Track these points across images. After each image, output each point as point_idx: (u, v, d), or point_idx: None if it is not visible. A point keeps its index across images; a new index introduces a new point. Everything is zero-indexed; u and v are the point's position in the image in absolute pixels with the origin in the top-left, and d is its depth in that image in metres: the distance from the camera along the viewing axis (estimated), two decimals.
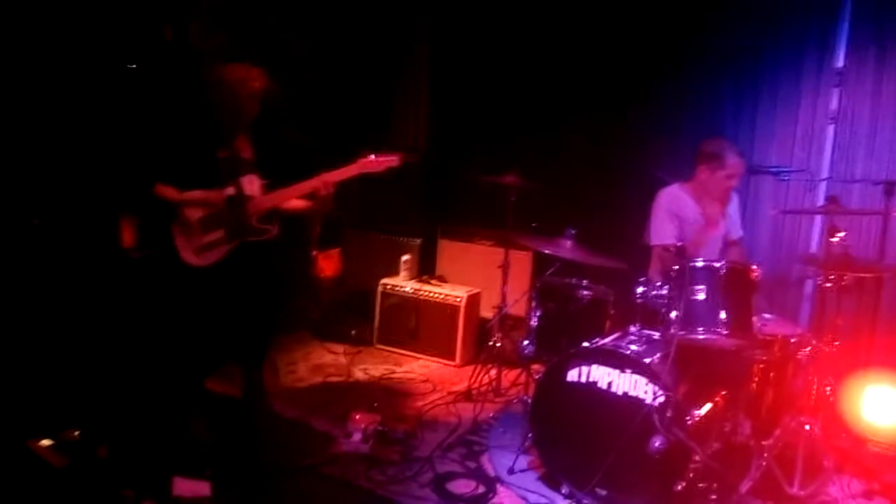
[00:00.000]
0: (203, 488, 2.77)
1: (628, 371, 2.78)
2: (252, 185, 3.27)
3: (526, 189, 3.86)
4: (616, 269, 3.35)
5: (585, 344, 2.96)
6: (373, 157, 3.25)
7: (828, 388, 3.10)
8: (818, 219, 4.19)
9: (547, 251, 3.24)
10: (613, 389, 2.80)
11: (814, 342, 3.05)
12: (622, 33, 4.71)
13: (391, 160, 3.27)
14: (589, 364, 2.86)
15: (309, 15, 5.19)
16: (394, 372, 4.40)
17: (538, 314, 3.34)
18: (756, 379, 3.11)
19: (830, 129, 4.22)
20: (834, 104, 4.20)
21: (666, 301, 2.90)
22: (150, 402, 3.36)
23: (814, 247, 4.25)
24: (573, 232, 3.23)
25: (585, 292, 3.37)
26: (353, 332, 4.94)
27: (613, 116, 4.68)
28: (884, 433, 3.46)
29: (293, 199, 3.32)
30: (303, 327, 5.14)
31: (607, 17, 4.75)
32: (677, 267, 2.85)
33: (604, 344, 2.96)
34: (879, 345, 3.50)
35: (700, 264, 2.84)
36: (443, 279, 4.98)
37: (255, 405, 3.57)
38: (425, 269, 5.14)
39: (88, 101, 3.84)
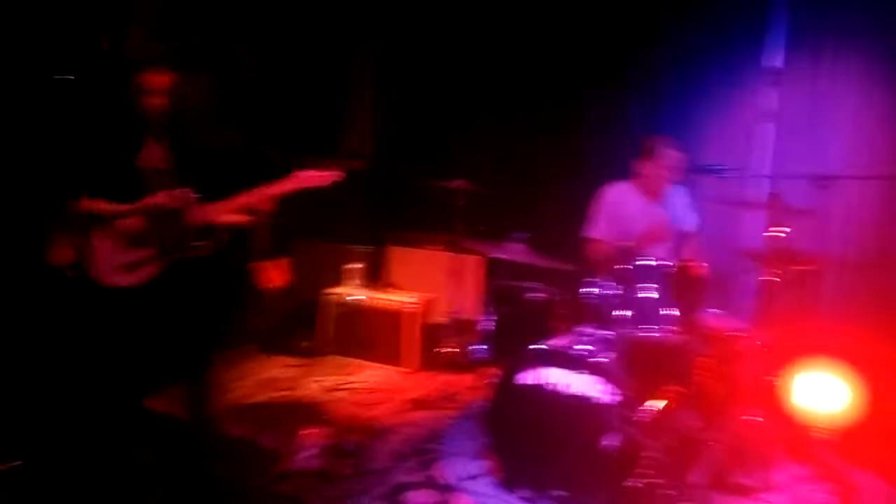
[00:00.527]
0: None
1: (582, 371, 2.77)
2: (176, 196, 3.15)
3: (475, 193, 3.85)
4: (566, 270, 3.36)
5: (539, 346, 2.94)
6: (311, 172, 3.17)
7: (772, 379, 3.17)
8: (758, 215, 4.30)
9: (499, 255, 3.21)
10: (567, 390, 2.80)
11: (758, 335, 3.10)
12: (564, 37, 4.75)
13: (331, 175, 3.20)
14: (543, 366, 2.85)
15: (252, 21, 5.06)
16: (346, 382, 4.32)
17: (492, 318, 3.31)
18: (703, 373, 3.14)
19: (769, 127, 4.34)
20: (772, 103, 4.32)
21: (617, 300, 2.91)
22: (90, 428, 3.20)
23: (753, 243, 4.36)
24: (525, 235, 3.22)
25: (537, 294, 3.36)
26: (303, 344, 4.83)
27: (560, 119, 4.72)
28: (822, 419, 3.57)
29: (230, 214, 3.21)
30: (249, 341, 5.00)
31: (550, 22, 4.79)
32: (629, 267, 2.86)
33: (556, 345, 2.95)
34: (817, 334, 3.59)
35: (650, 263, 2.86)
36: (393, 286, 4.93)
37: (201, 424, 3.45)
38: (375, 276, 5.08)
39: (17, 113, 3.66)
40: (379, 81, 5.57)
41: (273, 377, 4.37)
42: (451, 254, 4.94)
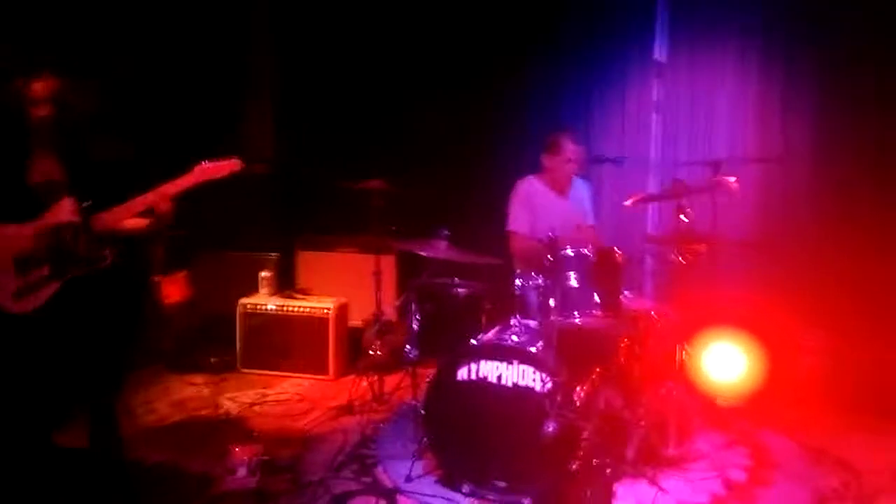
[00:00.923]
0: None
1: (515, 362, 2.84)
2: (70, 210, 2.93)
3: (392, 193, 3.84)
4: (489, 264, 3.42)
5: (470, 341, 2.98)
6: (210, 162, 3.04)
7: (683, 354, 3.37)
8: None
9: (423, 253, 3.22)
10: (503, 382, 2.86)
11: (670, 313, 3.29)
12: (467, 33, 4.82)
13: (231, 164, 3.07)
14: (477, 360, 2.89)
15: (130, 14, 4.73)
16: (266, 395, 4.18)
17: (417, 317, 3.31)
18: (624, 354, 3.30)
19: (654, 117, 4.61)
20: (655, 94, 4.59)
21: (542, 290, 2.99)
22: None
23: (650, 227, 4.64)
24: (446, 232, 3.24)
25: (460, 290, 3.39)
26: (212, 360, 4.63)
27: (466, 116, 4.80)
28: (728, 387, 3.85)
29: (127, 219, 3.02)
30: (154, 361, 4.73)
31: (455, 16, 4.85)
32: (550, 258, 2.95)
33: (488, 339, 3.00)
34: (716, 309, 3.86)
35: (570, 253, 2.96)
36: (305, 292, 4.81)
37: (110, 454, 3.23)
38: (285, 283, 4.94)
39: None
40: (282, 83, 5.40)
41: (186, 397, 4.16)
42: (364, 255, 4.91)
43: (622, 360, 3.30)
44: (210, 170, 3.00)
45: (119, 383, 3.40)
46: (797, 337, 4.09)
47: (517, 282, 3.07)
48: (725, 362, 3.93)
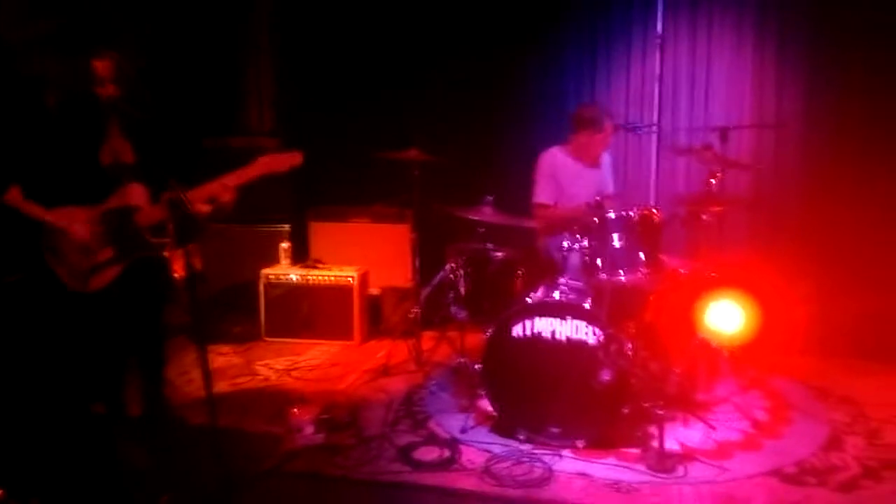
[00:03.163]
0: None
1: (569, 318, 3.06)
2: (136, 194, 2.99)
3: (429, 162, 3.98)
4: (521, 231, 3.63)
5: (525, 300, 3.18)
6: (273, 156, 3.11)
7: (707, 307, 3.65)
8: (654, 164, 4.86)
9: (472, 217, 3.40)
10: (557, 336, 3.08)
11: (705, 269, 3.56)
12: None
13: (292, 157, 3.14)
14: (532, 318, 3.10)
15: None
16: (297, 362, 4.31)
17: (462, 280, 3.50)
18: (663, 308, 3.56)
19: (656, 86, 4.86)
20: (658, 67, 4.83)
21: (588, 251, 3.21)
22: (68, 437, 3.00)
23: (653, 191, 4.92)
24: (490, 198, 3.42)
25: (497, 254, 3.58)
26: (236, 330, 4.72)
27: (482, 86, 4.98)
28: (732, 338, 4.17)
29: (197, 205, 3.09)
30: (175, 334, 4.77)
31: None
32: (594, 220, 3.17)
33: (541, 298, 3.21)
34: (735, 266, 4.16)
35: (614, 215, 3.18)
36: (321, 262, 4.92)
37: (168, 419, 3.35)
38: (298, 254, 5.03)
39: None
40: (280, 44, 5.36)
41: (220, 366, 4.25)
42: (376, 224, 5.05)
43: (652, 314, 3.56)
44: (272, 163, 3.05)
45: (165, 354, 3.48)
46: (789, 288, 4.43)
47: (563, 244, 3.26)
48: (729, 315, 4.24)
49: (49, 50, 3.96)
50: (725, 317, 4.19)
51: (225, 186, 3.01)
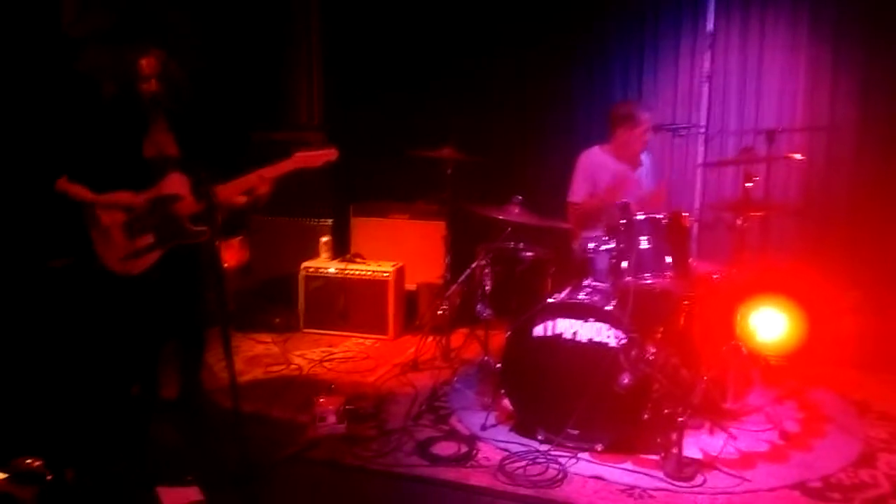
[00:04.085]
0: (193, 494, 2.70)
1: (591, 320, 3.04)
2: (179, 183, 3.12)
3: (464, 161, 4.01)
4: (553, 231, 3.61)
5: (549, 300, 3.17)
6: (309, 151, 3.18)
7: (739, 315, 3.56)
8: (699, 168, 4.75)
9: (500, 216, 3.42)
10: (578, 338, 3.06)
11: (731, 275, 3.47)
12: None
13: (328, 153, 3.21)
14: (553, 318, 3.09)
15: None
16: (332, 353, 4.41)
17: (489, 278, 3.51)
18: (684, 314, 3.50)
19: (706, 87, 4.74)
20: (707, 65, 4.71)
21: (615, 253, 3.17)
22: (104, 414, 3.17)
23: (698, 195, 4.80)
24: (519, 198, 3.42)
25: (527, 254, 3.58)
26: (277, 320, 4.86)
27: (520, 88, 4.98)
28: (778, 346, 4.05)
29: (233, 196, 3.20)
30: (214, 322, 4.95)
31: None
32: (624, 221, 3.13)
33: (563, 298, 3.20)
34: (773, 272, 4.04)
35: (642, 217, 3.14)
36: (361, 257, 5.01)
37: (204, 403, 3.49)
38: (340, 248, 5.14)
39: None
40: (327, 42, 5.46)
41: (258, 354, 4.40)
42: (415, 221, 5.11)
43: (683, 320, 3.49)
44: (308, 158, 3.14)
45: (205, 339, 3.62)
46: (837, 298, 4.26)
47: (589, 245, 3.24)
48: (772, 323, 4.12)
49: (104, 45, 4.17)
50: (767, 324, 4.10)
51: (261, 178, 3.12)
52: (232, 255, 5.40)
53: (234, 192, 3.12)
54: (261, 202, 3.28)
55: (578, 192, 3.89)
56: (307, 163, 3.16)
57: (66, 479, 2.70)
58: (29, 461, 2.72)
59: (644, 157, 3.99)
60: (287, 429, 3.30)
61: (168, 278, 3.18)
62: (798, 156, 3.29)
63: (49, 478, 2.64)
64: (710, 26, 4.67)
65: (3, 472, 2.64)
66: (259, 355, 4.37)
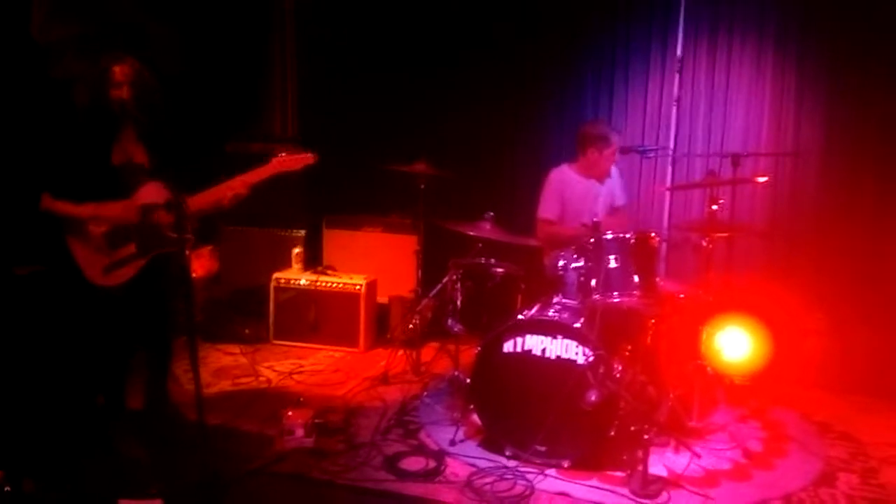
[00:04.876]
0: None
1: (559, 337, 3.07)
2: (155, 192, 3.10)
3: (437, 176, 4.05)
4: (523, 248, 3.65)
5: (519, 317, 3.20)
6: (286, 155, 3.19)
7: (705, 334, 3.63)
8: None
9: (471, 232, 3.44)
10: (547, 355, 3.09)
11: (697, 295, 3.54)
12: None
13: (306, 158, 3.22)
14: (523, 334, 3.12)
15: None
16: (301, 366, 4.38)
17: (459, 293, 3.53)
18: (651, 332, 3.55)
19: (674, 110, 4.84)
20: (676, 90, 4.82)
21: (583, 271, 3.22)
22: (67, 424, 3.11)
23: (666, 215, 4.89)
24: (491, 214, 3.46)
25: (499, 270, 3.61)
26: (246, 331, 4.82)
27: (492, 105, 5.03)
28: (742, 367, 4.12)
29: (208, 204, 3.18)
30: (181, 332, 4.89)
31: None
32: (591, 240, 3.18)
33: (533, 315, 3.23)
34: (737, 293, 4.12)
35: (611, 236, 3.19)
36: (332, 269, 5.00)
37: (171, 414, 3.45)
38: (312, 260, 5.12)
39: None
40: (304, 52, 5.47)
41: (225, 365, 4.35)
42: (388, 234, 5.12)
43: (650, 338, 3.54)
44: (286, 162, 3.14)
45: (171, 349, 3.58)
46: (801, 320, 4.36)
47: (560, 262, 3.28)
48: (736, 343, 4.20)
49: (81, 52, 4.13)
50: (732, 344, 4.17)
51: (242, 184, 3.08)
52: (201, 264, 5.35)
53: (211, 199, 3.09)
54: (232, 204, 3.23)
55: (549, 208, 3.97)
56: (286, 166, 3.16)
57: (25, 491, 2.64)
58: None
59: (612, 170, 4.06)
60: (254, 442, 3.27)
61: (145, 288, 3.14)
62: (762, 178, 3.36)
63: (7, 489, 2.58)
64: (678, 51, 4.78)
65: None
66: (227, 366, 4.33)
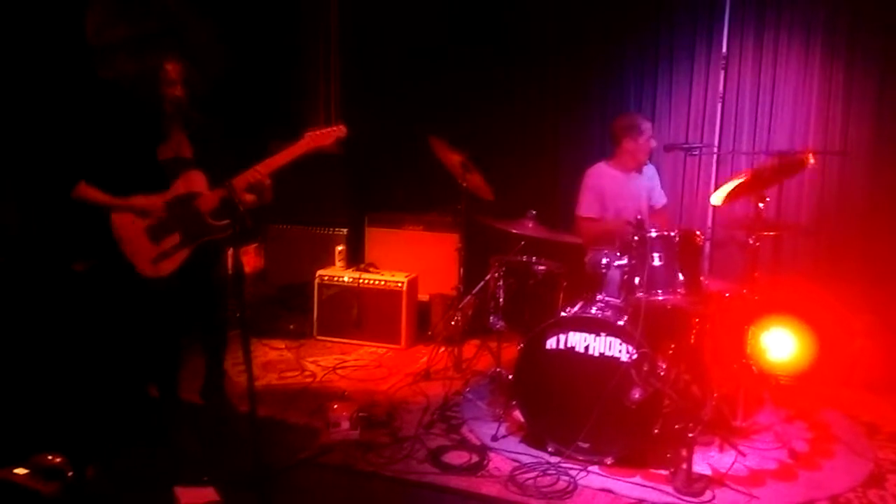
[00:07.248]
0: (209, 494, 2.76)
1: (602, 334, 3.09)
2: (195, 181, 3.20)
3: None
4: (566, 246, 3.67)
5: (562, 314, 3.22)
6: (317, 130, 3.22)
7: (752, 333, 3.59)
8: (713, 187, 4.77)
9: (513, 230, 3.48)
10: (590, 352, 3.10)
11: (743, 294, 3.50)
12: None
13: (337, 130, 3.25)
14: (566, 332, 3.14)
15: None
16: (345, 361, 4.47)
17: (501, 291, 3.57)
18: (695, 331, 3.53)
19: (719, 107, 4.79)
20: (721, 87, 4.76)
21: (627, 269, 3.23)
22: (124, 414, 3.24)
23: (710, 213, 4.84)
24: (533, 212, 3.48)
25: (540, 267, 3.63)
26: (291, 327, 4.92)
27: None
28: (786, 367, 4.07)
29: (246, 194, 3.25)
30: (233, 327, 5.02)
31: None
32: (636, 238, 3.19)
33: (576, 312, 3.25)
34: (784, 292, 4.07)
35: (655, 234, 3.19)
36: (374, 267, 5.07)
37: (221, 405, 3.55)
38: (354, 258, 5.21)
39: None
40: (347, 52, 5.54)
41: (272, 360, 4.46)
42: (429, 233, 5.17)
43: (694, 337, 3.53)
44: (318, 138, 3.20)
45: (226, 342, 3.68)
46: (848, 320, 4.29)
47: (603, 260, 3.29)
48: (782, 343, 4.15)
49: (130, 53, 4.28)
50: (778, 344, 4.13)
51: (277, 164, 3.16)
52: (247, 261, 5.48)
53: (249, 179, 3.14)
54: (267, 198, 3.29)
55: (589, 207, 4.00)
56: (319, 142, 3.21)
57: (87, 477, 2.76)
58: (50, 458, 2.79)
59: (650, 168, 4.06)
60: (301, 433, 3.36)
61: (194, 277, 3.25)
62: (811, 160, 3.27)
63: (70, 475, 2.70)
64: (723, 48, 4.72)
65: (24, 468, 2.71)
66: (273, 361, 4.44)
